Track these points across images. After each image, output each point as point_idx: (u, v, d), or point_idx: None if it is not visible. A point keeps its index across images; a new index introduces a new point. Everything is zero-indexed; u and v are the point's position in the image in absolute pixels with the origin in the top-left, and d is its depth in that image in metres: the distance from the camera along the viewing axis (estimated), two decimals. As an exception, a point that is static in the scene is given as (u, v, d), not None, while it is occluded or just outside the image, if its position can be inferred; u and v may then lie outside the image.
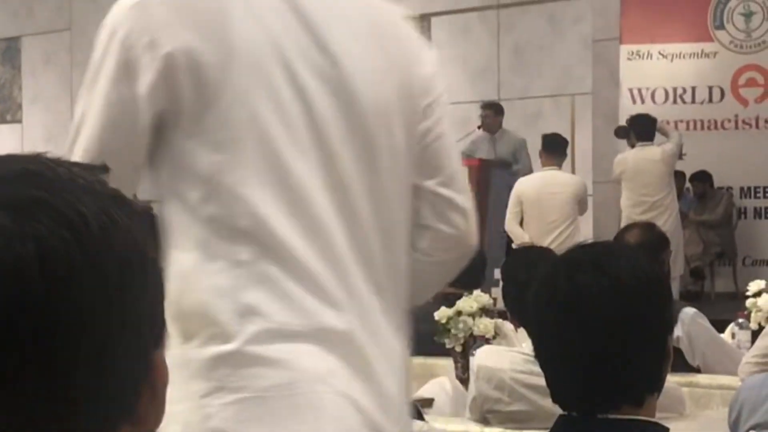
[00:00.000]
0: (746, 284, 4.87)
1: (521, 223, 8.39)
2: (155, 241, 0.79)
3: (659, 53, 10.45)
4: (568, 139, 9.39)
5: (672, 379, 2.97)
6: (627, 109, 9.92)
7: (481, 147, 9.77)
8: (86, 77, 1.60)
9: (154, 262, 0.79)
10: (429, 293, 1.98)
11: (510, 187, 8.90)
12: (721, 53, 10.37)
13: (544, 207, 8.28)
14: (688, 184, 10.31)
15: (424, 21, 11.96)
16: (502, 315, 4.56)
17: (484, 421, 3.45)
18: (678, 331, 4.22)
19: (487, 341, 4.29)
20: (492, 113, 9.91)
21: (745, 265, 10.21)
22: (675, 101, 10.44)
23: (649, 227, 4.81)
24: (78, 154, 1.56)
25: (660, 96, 10.43)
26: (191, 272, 1.53)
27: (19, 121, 14.32)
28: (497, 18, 11.56)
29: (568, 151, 9.11)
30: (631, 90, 10.44)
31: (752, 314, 4.61)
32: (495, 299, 4.63)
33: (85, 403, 0.73)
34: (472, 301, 4.52)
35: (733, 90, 10.31)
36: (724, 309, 6.43)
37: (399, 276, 1.66)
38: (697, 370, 4.34)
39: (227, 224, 1.54)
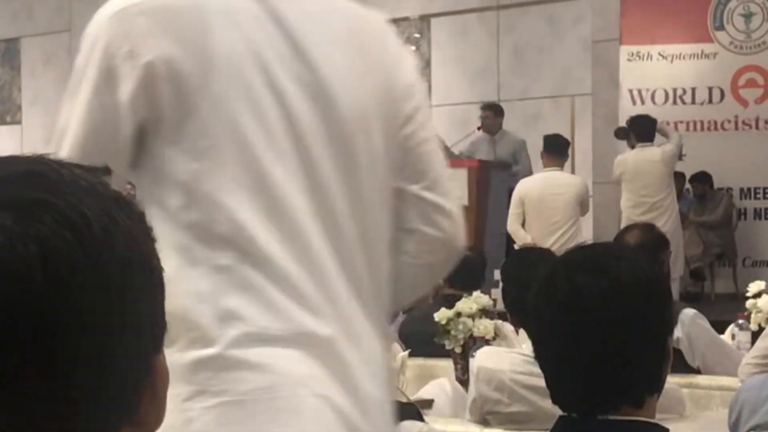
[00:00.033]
0: (746, 285, 4.87)
1: (523, 225, 8.39)
2: (155, 243, 0.80)
3: (659, 54, 10.45)
4: (568, 140, 9.39)
5: (672, 380, 2.97)
6: (627, 110, 9.92)
7: (480, 148, 9.78)
8: (69, 85, 1.63)
9: (154, 264, 0.79)
10: (415, 295, 2.00)
11: (510, 189, 8.90)
12: (721, 54, 10.37)
13: (547, 208, 8.28)
14: (688, 185, 10.31)
15: (423, 22, 11.97)
16: (501, 316, 4.56)
17: (484, 422, 3.45)
18: (678, 332, 4.22)
19: (487, 342, 4.30)
20: (492, 114, 9.91)
21: (745, 266, 10.21)
22: (675, 102, 10.44)
23: (648, 228, 4.81)
24: None
25: (660, 97, 10.43)
26: (172, 278, 1.54)
27: (19, 123, 14.32)
28: (497, 19, 11.57)
29: (568, 152, 9.11)
30: (631, 91, 10.44)
31: (752, 315, 4.61)
32: (495, 300, 4.63)
33: (86, 404, 0.73)
34: (471, 302, 4.52)
35: (733, 91, 10.31)
36: (724, 310, 6.44)
37: (380, 280, 1.68)
38: (697, 371, 4.34)
39: (207, 230, 1.55)
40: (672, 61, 10.46)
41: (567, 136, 9.46)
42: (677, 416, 3.54)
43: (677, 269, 8.15)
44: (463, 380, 4.25)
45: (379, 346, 1.66)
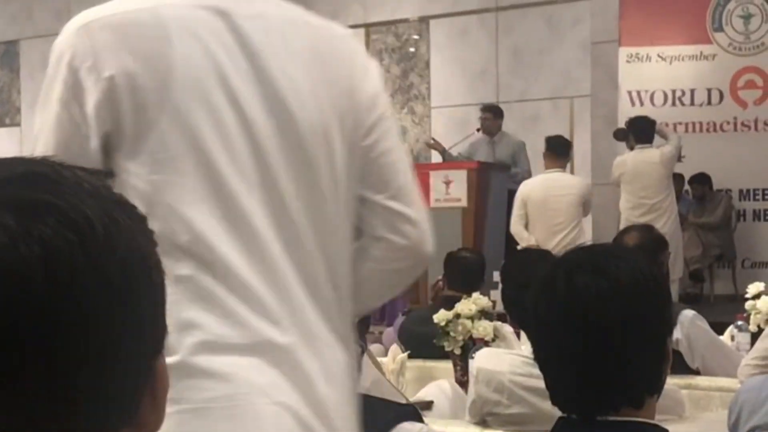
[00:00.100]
0: (745, 286, 4.87)
1: (526, 226, 8.39)
2: (156, 246, 0.80)
3: (658, 55, 10.45)
4: (570, 141, 9.40)
5: (671, 381, 2.98)
6: (626, 112, 9.92)
7: (480, 149, 9.77)
8: (40, 97, 1.66)
9: (155, 266, 0.79)
10: (382, 300, 2.04)
11: (509, 190, 8.90)
12: (719, 55, 10.37)
13: (551, 209, 8.28)
14: (687, 187, 10.31)
15: (422, 23, 11.98)
16: (501, 317, 4.56)
17: (484, 423, 3.45)
18: (677, 334, 4.22)
19: (487, 344, 4.30)
20: (491, 116, 9.91)
21: (744, 268, 10.20)
22: (674, 103, 10.44)
23: (647, 229, 4.81)
24: None
25: (659, 98, 10.43)
26: None
27: (18, 125, 14.33)
28: (496, 20, 11.57)
29: (570, 153, 9.12)
30: (630, 92, 10.44)
31: (751, 316, 4.62)
32: (494, 302, 4.64)
33: (86, 404, 0.73)
34: (471, 303, 4.52)
35: (732, 92, 10.31)
36: (724, 311, 6.44)
37: (342, 287, 1.70)
38: (697, 372, 4.34)
39: (168, 241, 1.57)
40: (671, 63, 10.46)
41: (566, 137, 9.46)
42: (677, 417, 3.54)
43: (676, 271, 8.16)
44: (463, 382, 4.25)
45: (341, 352, 1.68)
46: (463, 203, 8.69)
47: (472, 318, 4.45)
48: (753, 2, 10.30)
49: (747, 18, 10.33)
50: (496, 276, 4.85)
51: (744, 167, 10.17)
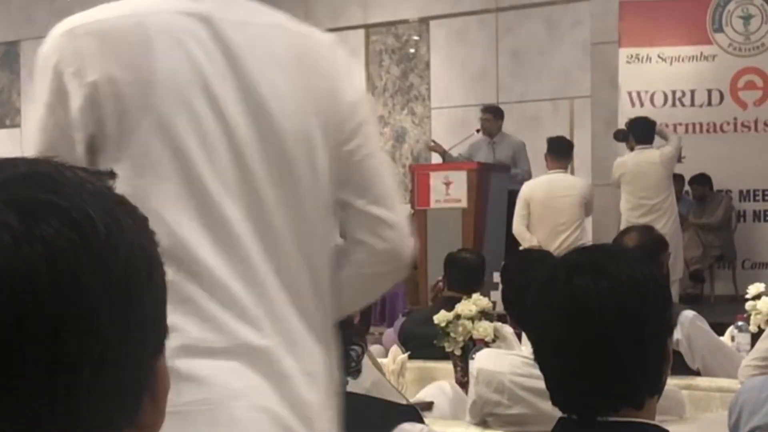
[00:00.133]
0: (746, 287, 4.87)
1: (528, 227, 8.39)
2: (158, 247, 0.80)
3: (658, 56, 10.46)
4: (572, 142, 9.40)
5: (672, 382, 2.97)
6: (626, 113, 9.92)
7: (480, 150, 9.77)
8: (32, 98, 1.69)
9: (157, 267, 0.79)
10: (363, 302, 2.07)
11: (509, 191, 8.90)
12: (719, 56, 10.37)
13: (553, 210, 8.29)
14: (687, 187, 10.31)
15: (422, 24, 11.98)
16: (501, 318, 4.56)
17: (484, 424, 3.46)
18: (677, 334, 4.22)
19: (487, 344, 4.30)
20: (492, 117, 9.91)
21: (744, 268, 10.20)
22: (674, 104, 10.44)
23: (647, 230, 4.81)
24: None
25: (659, 99, 10.43)
26: None
27: (18, 126, 14.32)
28: (496, 22, 11.58)
29: (572, 154, 9.12)
30: (630, 93, 10.44)
31: (752, 317, 4.61)
32: (494, 302, 4.64)
33: (87, 405, 0.73)
34: (471, 304, 4.52)
35: (732, 93, 10.31)
36: (724, 312, 6.44)
37: (322, 290, 1.72)
38: (697, 373, 4.34)
39: None
40: (671, 64, 10.46)
41: (567, 138, 9.46)
42: (677, 418, 3.54)
43: (677, 271, 8.15)
44: (463, 382, 4.25)
45: (320, 355, 1.69)
46: (463, 204, 8.68)
47: (472, 319, 4.45)
48: (753, 3, 10.31)
49: (747, 19, 10.34)
50: (497, 277, 4.86)
51: (744, 168, 10.17)
